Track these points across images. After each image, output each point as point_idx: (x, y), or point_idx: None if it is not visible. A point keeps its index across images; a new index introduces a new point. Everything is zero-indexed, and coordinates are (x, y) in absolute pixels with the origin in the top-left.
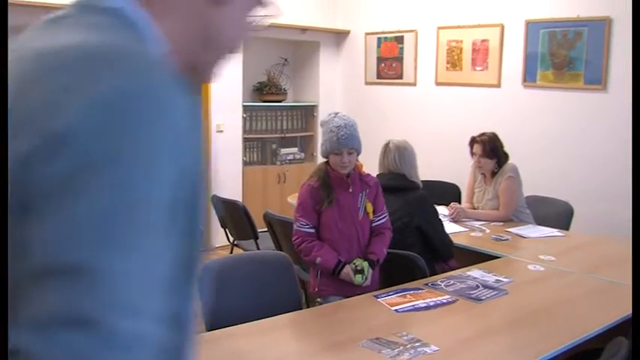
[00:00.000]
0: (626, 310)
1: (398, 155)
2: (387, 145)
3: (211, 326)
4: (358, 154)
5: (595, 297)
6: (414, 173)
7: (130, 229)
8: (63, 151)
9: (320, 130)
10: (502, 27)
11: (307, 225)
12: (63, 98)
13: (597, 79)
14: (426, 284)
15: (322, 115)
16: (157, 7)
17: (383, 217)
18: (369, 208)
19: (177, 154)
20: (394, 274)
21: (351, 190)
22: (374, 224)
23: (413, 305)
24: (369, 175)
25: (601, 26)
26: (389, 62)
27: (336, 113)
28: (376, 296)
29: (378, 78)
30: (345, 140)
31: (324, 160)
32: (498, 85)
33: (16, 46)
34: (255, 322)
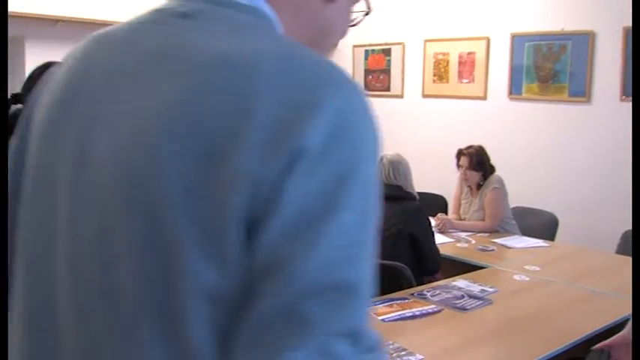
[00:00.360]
0: (608, 318)
1: (392, 169)
2: (380, 160)
3: None
4: None
5: (578, 306)
6: (410, 185)
7: (368, 242)
8: (317, 169)
9: None
10: (488, 40)
11: None
12: (299, 115)
13: (581, 92)
14: (412, 294)
15: None
16: (276, 4)
17: None
18: None
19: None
20: (381, 284)
21: None
22: None
23: (399, 315)
24: None
25: (585, 40)
26: (376, 74)
27: None
28: None
29: (365, 90)
30: None
31: None
32: (484, 98)
33: (131, 43)
34: None
